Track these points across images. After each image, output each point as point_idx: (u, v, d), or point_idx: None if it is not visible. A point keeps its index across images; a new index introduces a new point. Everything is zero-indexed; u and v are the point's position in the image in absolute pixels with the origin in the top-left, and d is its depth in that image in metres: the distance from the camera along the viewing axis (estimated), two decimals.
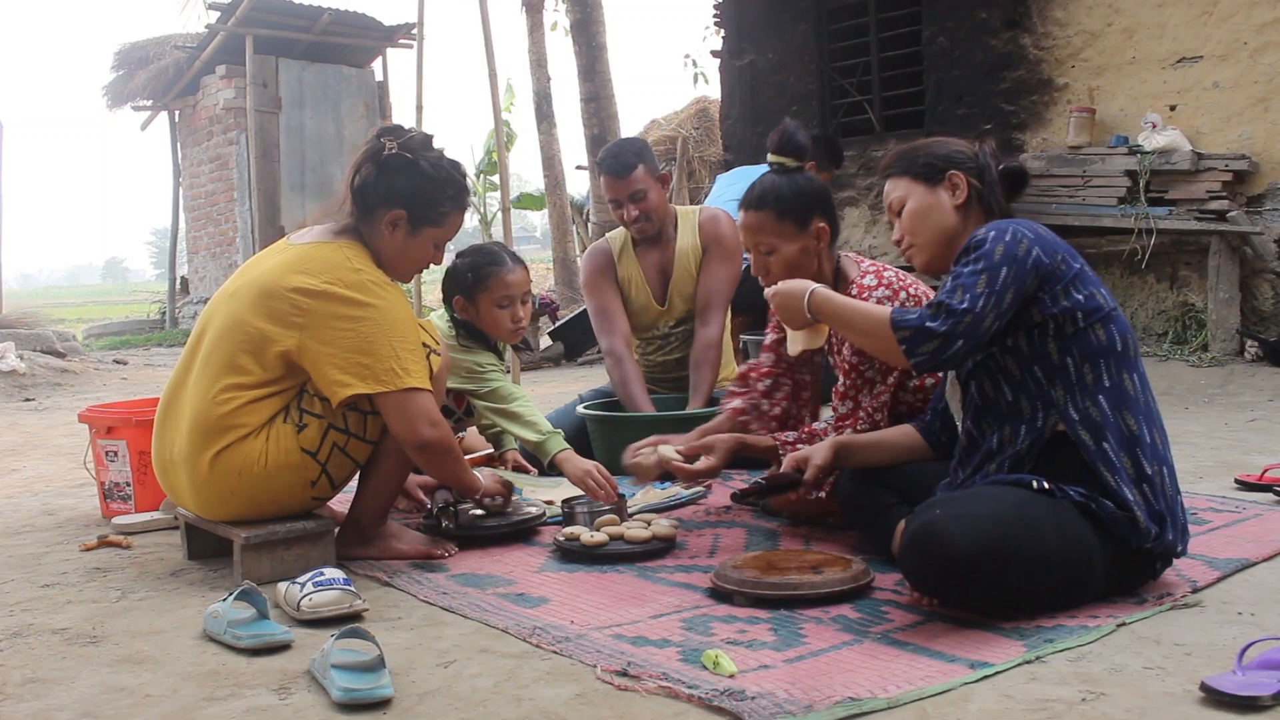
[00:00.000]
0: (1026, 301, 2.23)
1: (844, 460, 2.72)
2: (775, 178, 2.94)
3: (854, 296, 2.79)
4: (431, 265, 2.98)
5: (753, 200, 2.93)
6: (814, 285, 2.54)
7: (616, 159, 4.10)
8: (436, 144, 2.88)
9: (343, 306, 2.66)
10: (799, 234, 2.88)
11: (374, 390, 2.65)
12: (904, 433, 2.72)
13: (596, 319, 4.27)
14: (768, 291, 2.67)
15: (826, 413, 3.09)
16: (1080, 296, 2.23)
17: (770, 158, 2.98)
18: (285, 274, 2.70)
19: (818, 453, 2.71)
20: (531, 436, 3.39)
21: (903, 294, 2.84)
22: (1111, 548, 2.19)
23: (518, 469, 3.83)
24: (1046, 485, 2.20)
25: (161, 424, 2.84)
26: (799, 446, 2.92)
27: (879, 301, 2.79)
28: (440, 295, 3.69)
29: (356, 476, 2.90)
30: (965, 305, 2.18)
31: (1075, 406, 2.23)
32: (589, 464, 3.18)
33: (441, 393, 2.97)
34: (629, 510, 3.12)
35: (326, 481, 2.77)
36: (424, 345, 2.80)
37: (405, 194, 2.78)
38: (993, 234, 2.23)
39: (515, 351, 3.95)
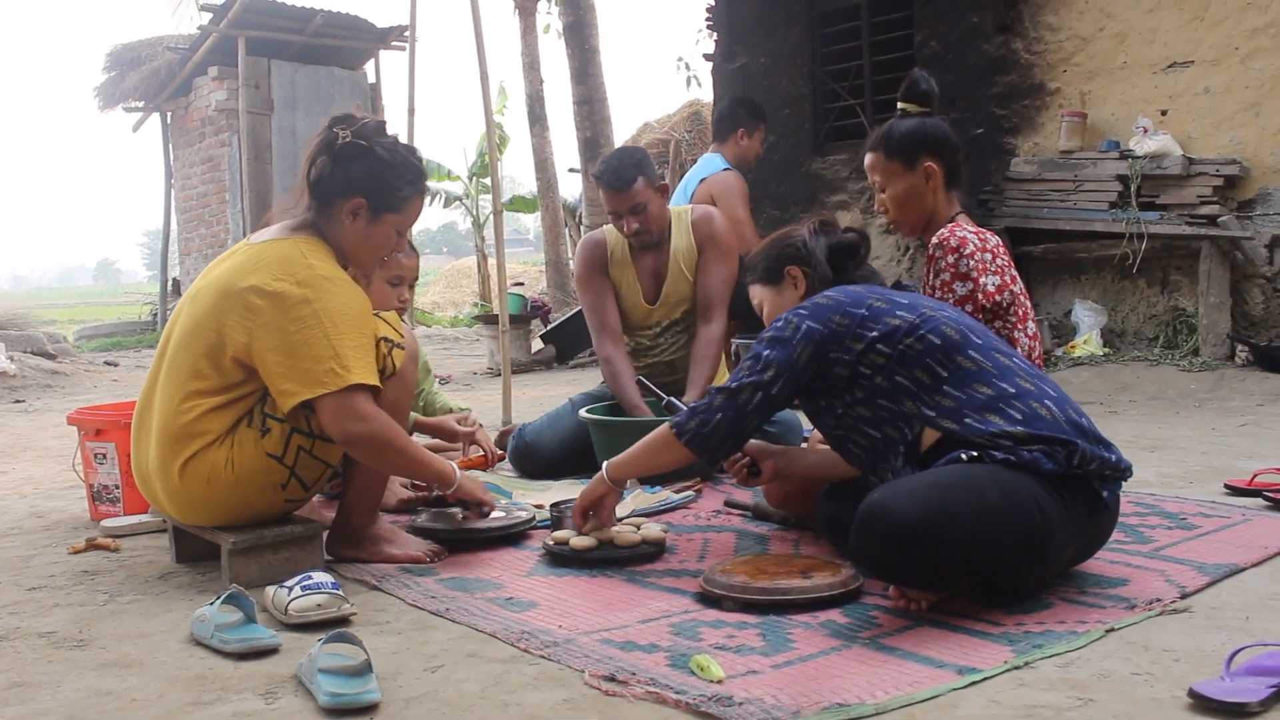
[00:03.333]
0: (826, 361, 2.44)
1: (785, 470, 2.86)
2: (895, 121, 3.09)
3: (932, 252, 2.92)
4: (395, 253, 2.96)
5: (870, 141, 3.12)
6: (604, 468, 2.74)
7: (615, 173, 4.05)
8: (390, 130, 2.84)
9: (291, 307, 2.61)
10: (905, 173, 3.04)
11: (314, 394, 2.59)
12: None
13: (589, 315, 4.25)
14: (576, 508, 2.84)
15: None
16: (874, 334, 2.41)
17: (899, 105, 3.13)
18: (241, 274, 2.67)
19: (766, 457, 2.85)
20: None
21: (977, 258, 2.88)
22: (1052, 489, 2.23)
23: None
24: (975, 454, 2.26)
25: (137, 433, 2.84)
26: None
27: (948, 269, 2.89)
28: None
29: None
30: (729, 385, 2.49)
31: (926, 405, 2.36)
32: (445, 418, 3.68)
33: (410, 385, 2.93)
34: (619, 514, 3.12)
35: (297, 484, 2.75)
36: (385, 340, 2.77)
37: (363, 182, 2.75)
38: (771, 326, 2.52)
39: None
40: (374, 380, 2.66)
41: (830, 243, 2.75)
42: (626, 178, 4.02)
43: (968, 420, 2.30)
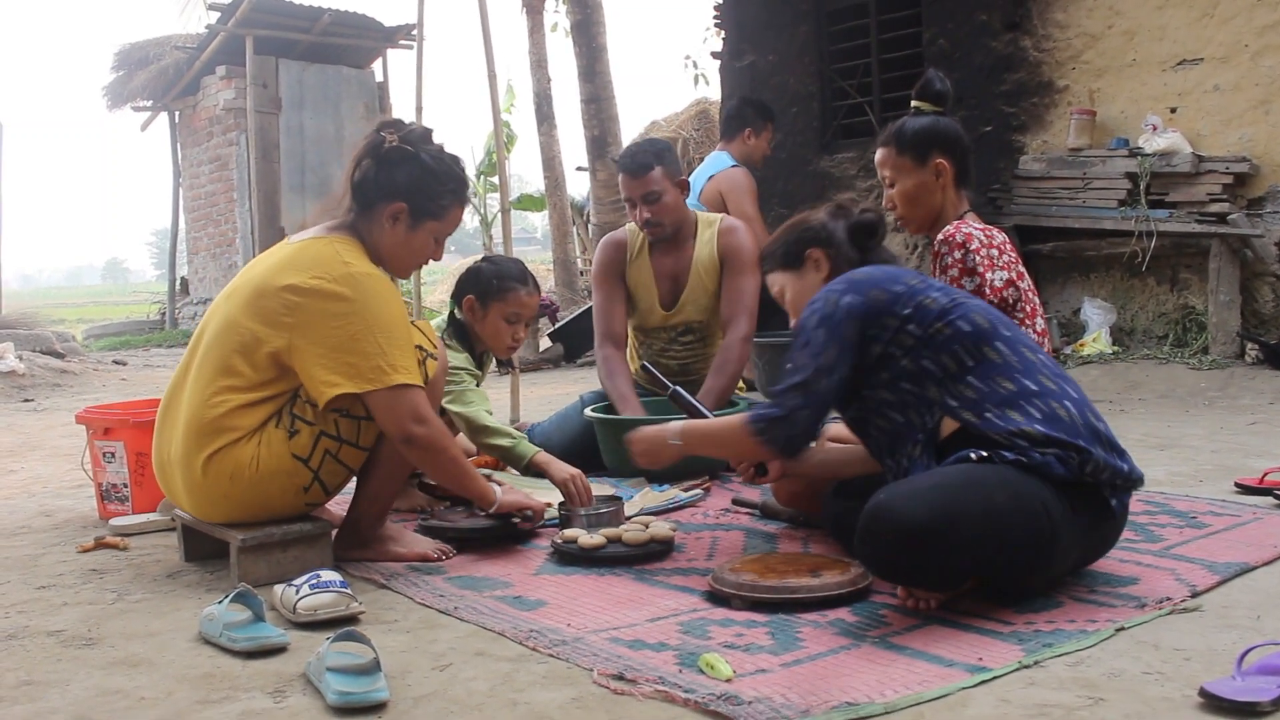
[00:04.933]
0: (863, 339, 2.39)
1: (792, 469, 2.75)
2: (908, 118, 3.10)
3: (938, 249, 2.92)
4: (431, 261, 2.96)
5: (882, 136, 3.13)
6: (676, 425, 2.73)
7: (634, 158, 4.07)
8: (436, 139, 2.87)
9: (330, 303, 2.63)
10: (916, 169, 3.05)
11: (361, 389, 2.62)
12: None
13: (597, 316, 4.24)
14: (631, 438, 2.80)
15: None
16: (907, 311, 2.37)
17: (912, 103, 3.15)
18: (277, 273, 2.70)
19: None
20: (503, 443, 3.37)
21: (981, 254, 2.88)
22: (1061, 494, 2.21)
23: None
24: (985, 454, 2.25)
25: (161, 424, 2.84)
26: None
27: (954, 265, 2.89)
28: (443, 298, 3.73)
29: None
30: (795, 380, 2.40)
31: (950, 394, 2.34)
32: (571, 470, 3.20)
33: (439, 397, 2.95)
34: (627, 513, 3.12)
35: (319, 488, 2.76)
36: (419, 348, 2.78)
37: (406, 187, 2.77)
38: (808, 310, 2.46)
39: (499, 366, 3.97)
40: (421, 382, 2.70)
41: (850, 223, 2.72)
42: (643, 164, 4.03)
43: (988, 415, 2.29)
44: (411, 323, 2.83)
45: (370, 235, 2.80)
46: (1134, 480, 2.35)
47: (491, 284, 3.56)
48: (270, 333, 2.66)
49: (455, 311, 3.65)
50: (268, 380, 2.69)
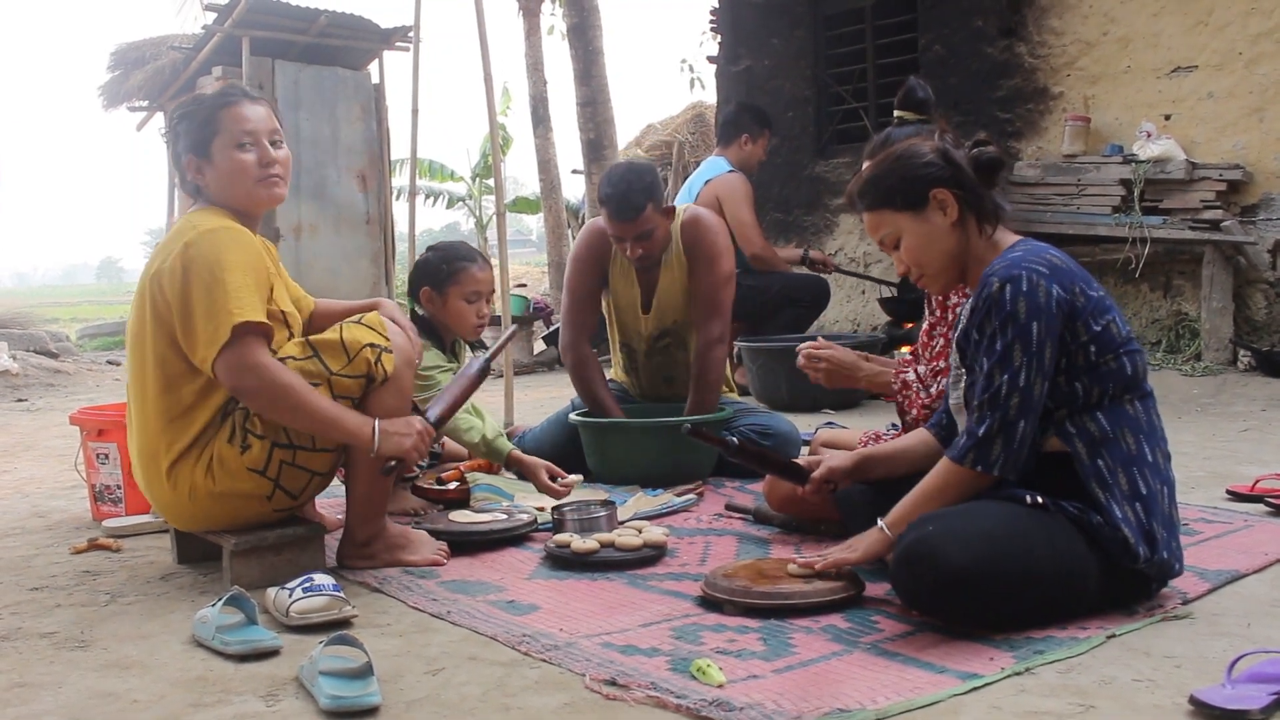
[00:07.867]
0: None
1: (865, 472, 2.63)
2: (892, 130, 3.05)
3: None
4: (276, 161, 2.77)
5: (868, 150, 3.09)
6: (881, 524, 2.33)
7: (624, 200, 3.75)
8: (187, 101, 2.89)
9: (182, 272, 2.58)
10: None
11: (212, 355, 2.54)
12: (921, 439, 2.61)
13: (569, 301, 4.08)
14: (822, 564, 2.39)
15: None
16: (1098, 328, 2.19)
17: (895, 113, 3.09)
18: (149, 268, 2.71)
19: (837, 458, 2.66)
20: (473, 438, 3.45)
21: None
22: (1105, 564, 2.18)
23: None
24: (1040, 500, 2.19)
25: (129, 441, 2.85)
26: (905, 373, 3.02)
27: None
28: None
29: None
30: (1006, 387, 2.16)
31: (1073, 422, 2.22)
32: (541, 461, 3.36)
33: (407, 390, 2.78)
34: (620, 517, 3.12)
35: (283, 495, 2.71)
36: (371, 345, 2.66)
37: (185, 141, 2.77)
38: (1009, 289, 2.15)
39: (472, 350, 3.89)
40: (261, 316, 2.59)
41: (977, 161, 2.34)
42: (635, 205, 3.75)
43: (1100, 462, 2.19)
44: (359, 320, 2.73)
45: (212, 193, 2.78)
46: (1177, 574, 2.30)
47: (442, 269, 3.58)
48: (157, 327, 2.64)
49: (415, 308, 3.65)
50: (180, 373, 2.64)
